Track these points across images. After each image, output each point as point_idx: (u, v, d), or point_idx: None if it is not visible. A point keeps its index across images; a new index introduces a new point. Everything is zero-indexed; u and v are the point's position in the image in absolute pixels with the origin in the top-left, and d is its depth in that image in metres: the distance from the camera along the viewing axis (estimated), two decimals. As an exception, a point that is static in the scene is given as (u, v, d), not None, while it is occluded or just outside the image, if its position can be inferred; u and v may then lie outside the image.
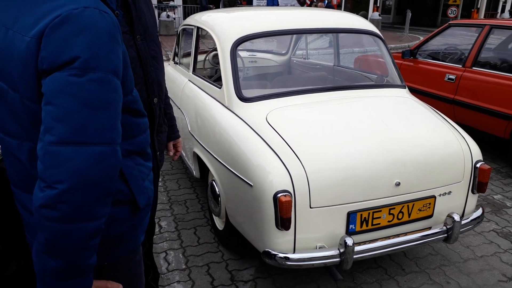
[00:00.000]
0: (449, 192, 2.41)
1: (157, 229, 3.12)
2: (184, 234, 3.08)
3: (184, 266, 2.71)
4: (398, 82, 3.01)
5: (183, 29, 3.81)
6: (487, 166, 2.43)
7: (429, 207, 2.36)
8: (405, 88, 2.98)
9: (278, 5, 14.19)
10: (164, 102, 1.92)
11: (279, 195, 2.05)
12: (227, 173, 2.41)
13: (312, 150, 2.21)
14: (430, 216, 2.39)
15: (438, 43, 5.25)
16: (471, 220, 2.51)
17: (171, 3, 17.27)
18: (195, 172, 3.19)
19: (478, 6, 22.64)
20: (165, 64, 4.10)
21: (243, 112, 2.53)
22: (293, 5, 17.81)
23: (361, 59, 5.14)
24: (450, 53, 5.01)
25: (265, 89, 2.84)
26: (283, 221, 2.06)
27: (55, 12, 0.91)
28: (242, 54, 4.25)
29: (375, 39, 3.15)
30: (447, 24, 5.11)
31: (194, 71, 3.32)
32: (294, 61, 4.36)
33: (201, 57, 3.82)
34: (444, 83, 4.79)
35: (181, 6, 17.24)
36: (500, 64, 4.38)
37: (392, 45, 14.21)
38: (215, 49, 2.84)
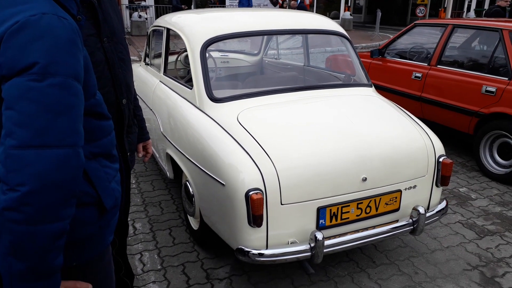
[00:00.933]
0: (414, 186, 2.51)
1: (131, 231, 3.12)
2: (159, 235, 3.09)
3: (159, 267, 2.73)
4: (365, 81, 3.10)
5: (153, 30, 3.81)
6: (449, 160, 2.55)
7: (395, 201, 2.46)
8: (372, 86, 3.07)
9: (251, 5, 14.23)
10: (133, 103, 1.94)
11: (250, 193, 2.10)
12: (200, 173, 2.45)
13: (282, 149, 2.27)
14: (397, 210, 2.49)
15: (405, 42, 5.41)
16: (436, 212, 2.62)
17: (143, 3, 17.10)
18: (169, 173, 3.21)
19: (445, 6, 23.29)
20: (136, 65, 4.10)
21: (214, 113, 2.57)
22: (266, 5, 17.91)
23: (332, 58, 5.25)
24: (417, 52, 5.17)
25: (236, 90, 2.89)
26: (255, 218, 2.12)
27: (13, 18, 0.93)
28: (214, 54, 4.29)
29: (342, 40, 3.24)
30: (413, 23, 5.28)
31: (165, 72, 3.34)
32: (266, 62, 4.42)
33: (172, 58, 3.83)
34: (411, 81, 4.94)
35: (153, 6, 17.09)
36: (463, 62, 4.56)
37: (363, 44, 14.49)
38: (186, 50, 2.87)
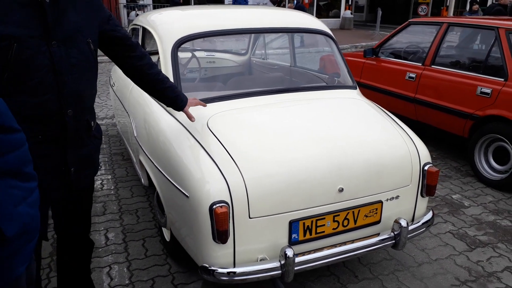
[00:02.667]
0: (397, 197, 2.33)
1: (103, 242, 2.96)
2: (132, 246, 2.93)
3: (127, 281, 2.57)
4: (349, 83, 2.93)
5: (132, 29, 3.65)
6: (435, 169, 2.37)
7: (376, 213, 2.29)
8: (356, 89, 2.90)
9: (248, 3, 14.04)
10: (85, 115, 1.73)
11: (215, 206, 1.93)
12: (166, 182, 2.28)
13: (252, 157, 2.10)
14: (378, 222, 2.31)
15: (399, 41, 5.23)
16: (421, 224, 2.44)
17: (141, 2, 16.95)
18: (143, 180, 3.05)
19: (448, 4, 23.00)
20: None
21: (183, 117, 2.40)
22: (265, 4, 17.73)
23: (322, 59, 5.07)
24: (411, 52, 4.98)
25: (210, 92, 2.71)
26: (220, 233, 1.95)
27: None
28: (199, 54, 4.13)
29: (327, 39, 3.07)
30: (408, 22, 5.09)
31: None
32: (251, 62, 4.25)
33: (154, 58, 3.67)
34: (405, 82, 4.76)
35: (151, 5, 16.94)
36: (458, 62, 4.37)
37: (363, 43, 14.29)
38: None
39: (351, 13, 20.27)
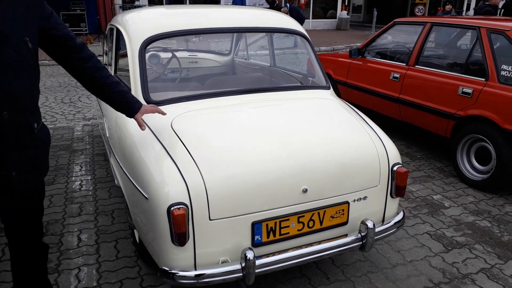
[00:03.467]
0: (365, 197, 2.30)
1: (75, 243, 2.93)
2: (104, 247, 2.90)
3: (95, 284, 2.54)
4: (323, 83, 2.90)
5: (109, 29, 3.62)
6: (403, 169, 2.34)
7: (343, 214, 2.25)
8: (329, 89, 2.87)
9: (245, 3, 14.01)
10: (25, 117, 1.66)
11: (172, 208, 1.90)
12: (130, 184, 2.25)
13: (214, 158, 2.07)
14: (345, 223, 2.28)
15: (384, 41, 5.19)
16: (391, 225, 2.41)
17: (136, 2, 16.93)
18: (116, 181, 3.01)
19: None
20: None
21: (149, 117, 2.37)
22: (261, 4, 17.72)
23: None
24: (396, 52, 4.95)
25: (178, 92, 2.67)
26: (178, 236, 1.92)
27: None
28: (187, 52, 4.10)
29: (302, 39, 3.04)
30: (393, 21, 5.06)
31: (115, 73, 3.14)
32: (231, 62, 4.21)
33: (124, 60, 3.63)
34: (390, 82, 4.72)
35: (147, 6, 16.92)
36: (440, 62, 4.33)
37: (358, 44, 14.25)
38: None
39: (348, 14, 20.22)
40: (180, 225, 1.90)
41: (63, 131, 5.32)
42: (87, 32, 15.20)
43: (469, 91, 3.78)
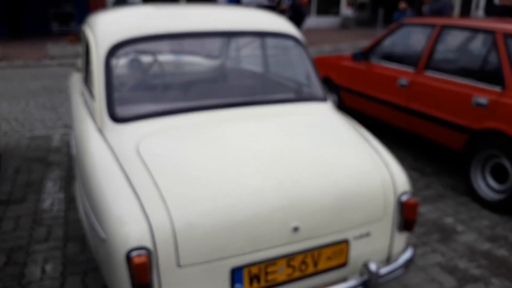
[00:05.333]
0: (367, 234, 1.95)
1: (38, 276, 2.59)
2: (70, 281, 2.55)
3: (55, 327, 2.20)
4: (319, 95, 2.54)
5: (82, 31, 3.26)
6: (413, 200, 1.98)
7: (341, 254, 1.90)
8: (326, 101, 2.51)
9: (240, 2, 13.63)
10: None
11: (132, 254, 1.55)
12: (88, 216, 1.91)
13: (185, 190, 1.72)
14: (344, 265, 1.92)
15: (391, 44, 4.81)
16: (399, 266, 2.05)
17: (130, 0, 16.51)
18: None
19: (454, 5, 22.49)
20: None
21: (114, 137, 2.03)
22: (258, 4, 17.31)
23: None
24: (403, 56, 4.57)
25: (154, 105, 2.29)
26: (140, 287, 1.57)
27: None
28: (164, 58, 3.73)
29: (294, 43, 2.67)
30: (400, 23, 4.68)
31: (85, 81, 2.79)
32: (219, 68, 3.84)
33: None
34: (396, 89, 4.35)
35: (139, 4, 16.51)
36: (452, 68, 3.95)
37: (363, 43, 13.85)
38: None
39: (352, 12, 19.81)
40: (141, 275, 1.55)
41: (40, 140, 4.94)
42: (77, 31, 14.70)
43: (484, 101, 3.41)
